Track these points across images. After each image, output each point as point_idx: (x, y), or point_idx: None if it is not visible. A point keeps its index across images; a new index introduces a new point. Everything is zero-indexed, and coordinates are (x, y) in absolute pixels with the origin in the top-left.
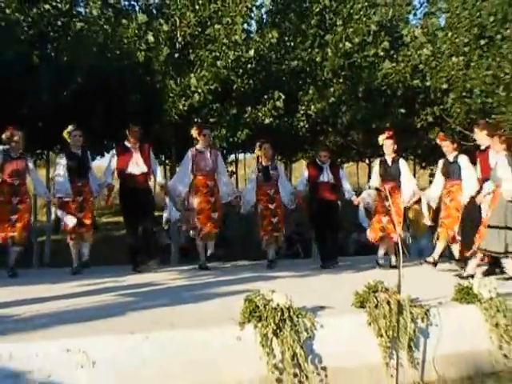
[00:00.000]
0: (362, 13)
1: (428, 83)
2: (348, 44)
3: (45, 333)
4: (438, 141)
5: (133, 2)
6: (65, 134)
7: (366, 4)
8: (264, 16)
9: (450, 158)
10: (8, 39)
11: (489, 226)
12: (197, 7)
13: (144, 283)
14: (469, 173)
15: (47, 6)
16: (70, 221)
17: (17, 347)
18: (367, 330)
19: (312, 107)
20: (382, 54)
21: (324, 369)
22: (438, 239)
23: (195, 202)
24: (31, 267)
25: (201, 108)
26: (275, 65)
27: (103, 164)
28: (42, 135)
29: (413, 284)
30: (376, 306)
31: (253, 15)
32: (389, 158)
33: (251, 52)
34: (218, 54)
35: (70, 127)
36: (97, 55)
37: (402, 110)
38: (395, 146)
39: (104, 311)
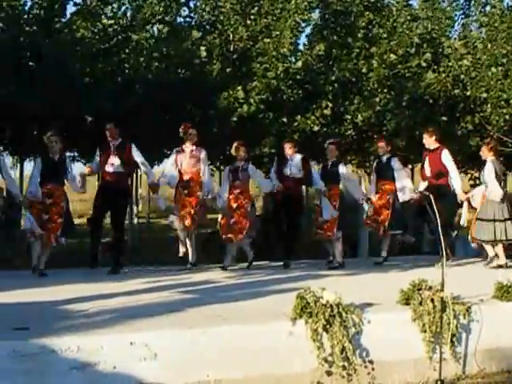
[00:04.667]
0: (405, 26)
1: (468, 92)
2: (392, 56)
3: (109, 327)
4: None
5: (188, 19)
6: (44, 138)
7: (409, 18)
8: (312, 30)
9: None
10: (74, 54)
11: (478, 219)
12: (248, 22)
13: (198, 281)
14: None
15: (109, 22)
16: (27, 224)
17: (84, 340)
18: (412, 325)
19: (358, 116)
20: (424, 64)
21: (371, 362)
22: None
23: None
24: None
25: (253, 117)
26: (322, 75)
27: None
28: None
29: (455, 282)
30: (420, 303)
31: (301, 29)
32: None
33: (299, 63)
34: (268, 65)
35: (49, 132)
36: (155, 68)
37: (444, 118)
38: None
39: (163, 307)
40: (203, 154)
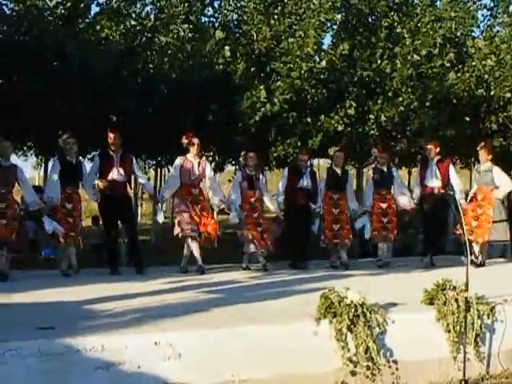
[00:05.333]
0: (428, 26)
1: (492, 92)
2: (416, 56)
3: (134, 327)
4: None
5: (212, 19)
6: (60, 141)
7: (433, 18)
8: (336, 29)
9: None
10: (98, 54)
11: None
12: (272, 22)
13: (222, 281)
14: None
15: (133, 22)
16: (50, 226)
17: (109, 340)
18: (436, 325)
19: (382, 116)
20: (448, 64)
21: (395, 362)
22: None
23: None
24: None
25: (276, 117)
26: (346, 75)
27: None
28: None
29: (479, 282)
30: (444, 303)
31: (325, 29)
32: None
33: (323, 63)
34: (291, 65)
35: (65, 135)
36: (179, 68)
37: (468, 118)
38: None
39: (188, 307)
40: (208, 163)
